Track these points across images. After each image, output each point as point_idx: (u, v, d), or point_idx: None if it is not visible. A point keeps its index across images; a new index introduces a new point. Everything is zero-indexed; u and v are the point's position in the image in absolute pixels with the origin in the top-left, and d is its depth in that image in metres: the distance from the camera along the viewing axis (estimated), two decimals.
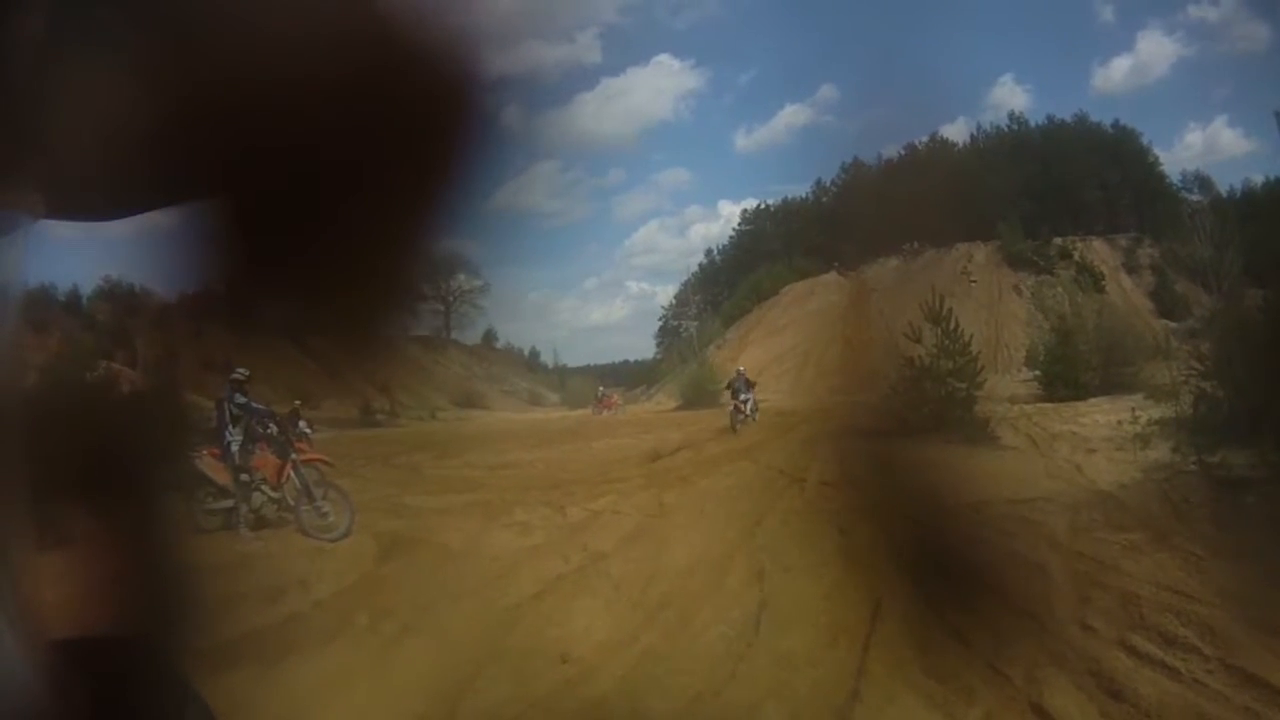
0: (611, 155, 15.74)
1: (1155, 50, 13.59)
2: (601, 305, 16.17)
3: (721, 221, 16.67)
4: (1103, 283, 13.76)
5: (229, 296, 0.79)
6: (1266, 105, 10.77)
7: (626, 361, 16.65)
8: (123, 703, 0.82)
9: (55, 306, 11.45)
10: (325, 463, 8.41)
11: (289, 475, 8.11)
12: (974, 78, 13.54)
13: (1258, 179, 12.25)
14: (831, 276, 14.99)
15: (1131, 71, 13.91)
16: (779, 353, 14.17)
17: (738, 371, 12.16)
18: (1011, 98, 14.91)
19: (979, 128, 14.87)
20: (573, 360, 16.56)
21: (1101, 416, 9.48)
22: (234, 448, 8.16)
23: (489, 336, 15.96)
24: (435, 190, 0.78)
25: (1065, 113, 14.96)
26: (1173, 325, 12.43)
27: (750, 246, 16.37)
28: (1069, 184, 14.78)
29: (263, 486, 8.12)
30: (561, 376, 16.20)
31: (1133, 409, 8.71)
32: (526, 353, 16.51)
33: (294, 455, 8.21)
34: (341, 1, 0.72)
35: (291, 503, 8.07)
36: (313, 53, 0.68)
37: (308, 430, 9.60)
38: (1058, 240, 14.41)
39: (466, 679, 5.95)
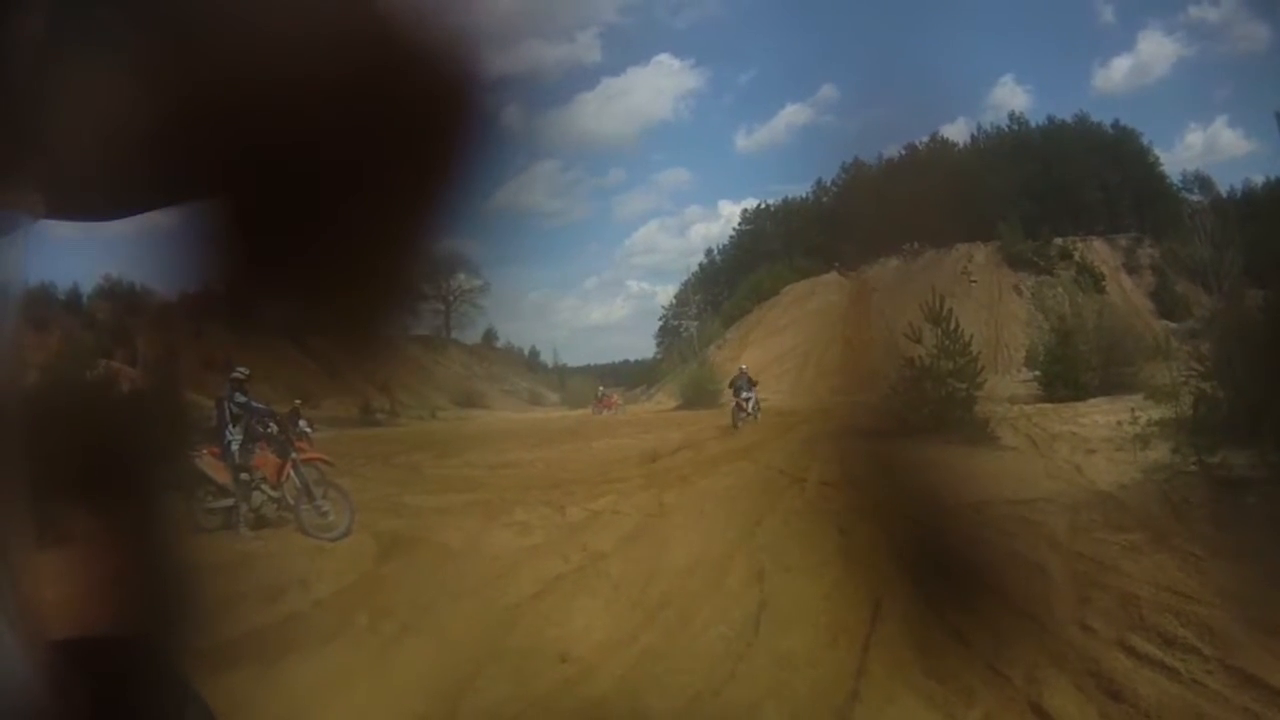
0: (612, 155, 15.75)
1: (1156, 50, 13.60)
2: (602, 305, 16.17)
3: (722, 221, 16.68)
4: (1103, 283, 13.77)
5: (229, 296, 0.80)
6: (1267, 106, 10.76)
7: (626, 361, 16.66)
8: (123, 703, 0.82)
9: (55, 305, 11.45)
10: (325, 462, 8.41)
11: (289, 474, 8.11)
12: (974, 78, 13.56)
13: (1258, 179, 12.26)
14: (832, 276, 14.98)
15: (1132, 72, 13.92)
16: (779, 353, 14.18)
17: (740, 369, 12.17)
18: (1012, 98, 14.93)
19: (979, 128, 14.89)
20: (573, 360, 16.57)
21: (1101, 417, 9.48)
22: (234, 447, 8.16)
23: (489, 336, 15.96)
24: (435, 190, 0.78)
25: (1066, 113, 14.98)
26: (1173, 326, 12.42)
27: (750, 246, 16.36)
28: (1069, 184, 14.78)
29: (263, 485, 8.12)
30: (561, 376, 16.20)
31: (1132, 409, 8.71)
32: (527, 352, 16.51)
33: (294, 454, 8.21)
34: (341, 1, 0.72)
35: (291, 502, 8.07)
36: (313, 53, 0.68)
37: (308, 429, 9.60)
38: (1058, 240, 14.42)
39: (466, 678, 5.95)
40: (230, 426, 8.20)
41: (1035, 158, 14.84)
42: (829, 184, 15.39)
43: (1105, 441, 8.76)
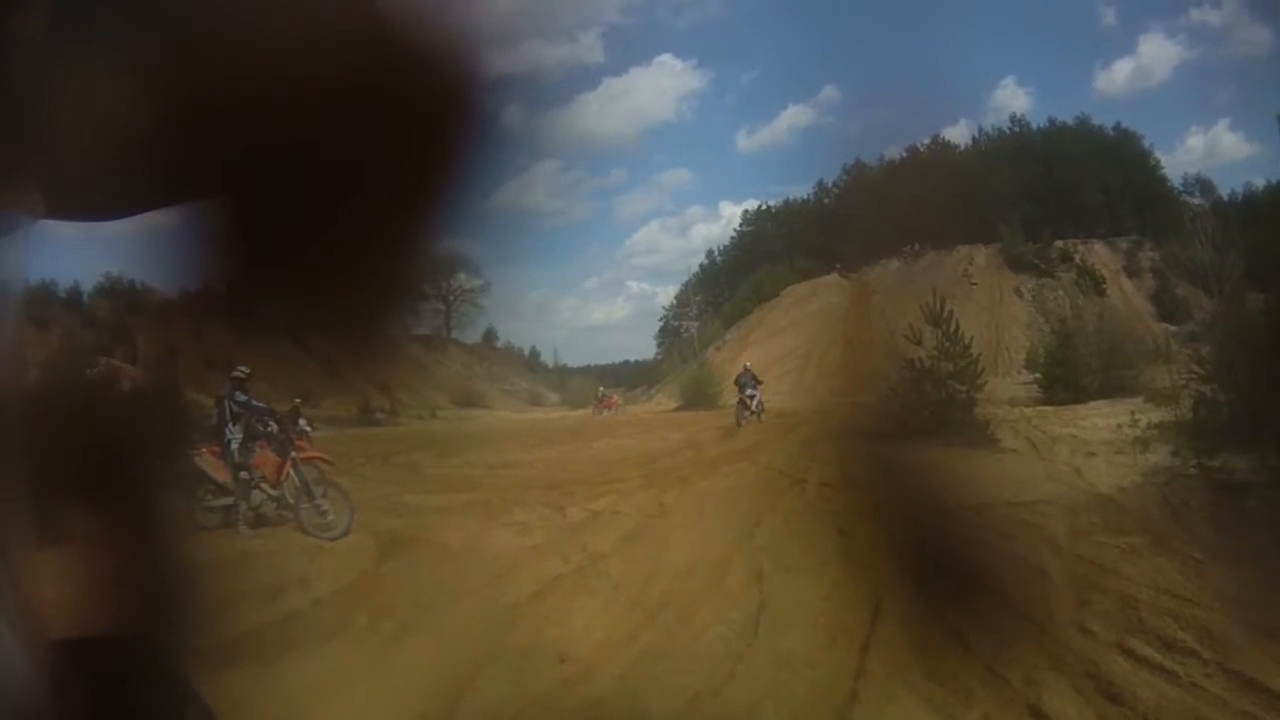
0: (613, 155, 15.77)
1: (1157, 53, 13.62)
2: (602, 305, 16.19)
3: (723, 222, 16.70)
4: (1103, 286, 13.77)
5: (229, 296, 0.80)
6: (1268, 109, 10.77)
7: (627, 362, 16.68)
8: (123, 703, 0.82)
9: (56, 303, 11.47)
10: (325, 461, 8.42)
11: (289, 473, 8.11)
12: (976, 80, 13.55)
13: (1259, 182, 12.28)
14: (832, 278, 14.99)
15: (1133, 74, 13.94)
16: (780, 354, 14.18)
17: (744, 367, 12.19)
18: (1013, 100, 14.94)
19: (981, 130, 14.92)
20: (573, 360, 16.60)
21: (1101, 420, 9.48)
22: (234, 445, 8.16)
23: (489, 336, 15.98)
24: (436, 190, 0.77)
25: (1067, 115, 14.99)
26: (1173, 329, 12.44)
27: (751, 247, 16.37)
28: (1070, 187, 14.77)
29: (262, 484, 8.13)
30: (562, 376, 16.22)
31: (1133, 412, 8.71)
32: (527, 352, 16.53)
33: (294, 453, 8.22)
34: (341, 1, 0.72)
35: (291, 501, 8.07)
36: (313, 53, 0.68)
37: (307, 428, 9.60)
38: (1059, 243, 14.42)
39: (466, 678, 5.95)
40: (230, 425, 8.20)
41: (1036, 160, 14.85)
42: (830, 185, 15.43)
43: (1105, 444, 8.75)
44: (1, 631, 0.70)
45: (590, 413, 14.58)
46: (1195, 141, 13.79)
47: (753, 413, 11.55)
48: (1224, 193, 12.57)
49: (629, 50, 14.95)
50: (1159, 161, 14.28)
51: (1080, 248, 14.42)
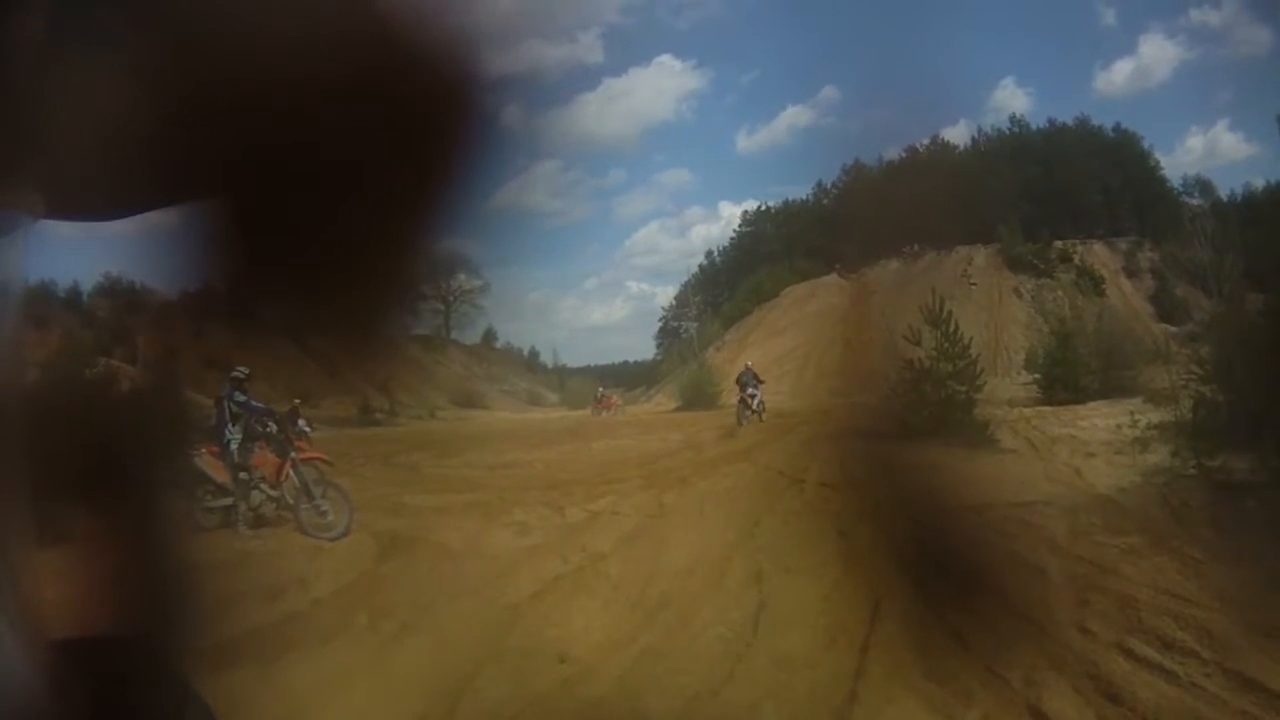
0: (613, 155, 15.77)
1: (1157, 54, 13.62)
2: (601, 305, 16.19)
3: (722, 223, 16.71)
4: (1103, 286, 13.77)
5: (229, 296, 0.80)
6: (1268, 109, 10.78)
7: (626, 362, 16.68)
8: (123, 703, 0.82)
9: (55, 303, 11.47)
10: (324, 461, 8.41)
11: (288, 474, 8.11)
12: (975, 80, 13.56)
13: (1259, 183, 12.27)
14: (832, 278, 14.98)
15: (1133, 75, 13.94)
16: (779, 354, 14.18)
17: (746, 366, 12.20)
18: (1013, 100, 14.95)
19: (980, 130, 14.90)
20: (572, 360, 16.59)
21: (1101, 420, 9.48)
22: (233, 446, 8.16)
23: (489, 336, 15.97)
24: (435, 190, 0.77)
25: (1066, 116, 14.99)
26: (1173, 329, 12.44)
27: (751, 248, 16.38)
28: (1070, 187, 14.77)
29: (262, 485, 8.12)
30: (561, 377, 16.21)
31: (1132, 413, 8.71)
32: (526, 353, 16.53)
33: (293, 454, 8.21)
34: (341, 1, 0.72)
35: (290, 501, 8.07)
36: (313, 53, 0.68)
37: (307, 429, 9.60)
38: (1058, 243, 14.43)
39: (465, 678, 5.95)
40: (229, 425, 8.20)
41: (1036, 160, 14.85)
42: (829, 186, 15.44)
43: (1105, 445, 8.76)
44: (1, 631, 0.71)
45: (590, 413, 14.57)
46: (1195, 142, 13.81)
47: (754, 412, 11.56)
48: (1223, 193, 12.58)
49: (629, 50, 14.96)
50: (1158, 162, 14.30)
51: (1079, 248, 14.42)
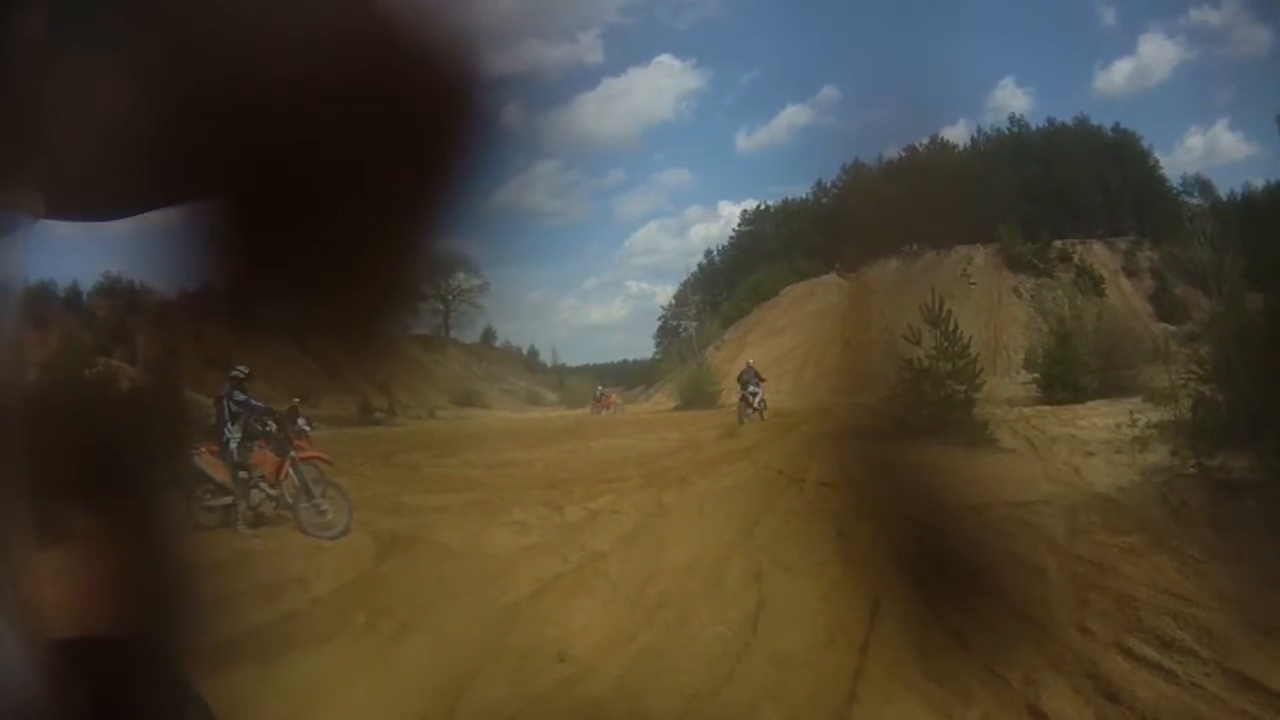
0: (612, 155, 15.76)
1: (1157, 54, 13.62)
2: (601, 305, 16.20)
3: (721, 222, 16.71)
4: (1102, 286, 13.77)
5: (229, 297, 0.80)
6: (1268, 109, 10.80)
7: (625, 361, 16.68)
8: (123, 703, 0.82)
9: (55, 302, 11.46)
10: (324, 460, 8.42)
11: (288, 473, 8.11)
12: (975, 80, 13.54)
13: (1258, 183, 12.27)
14: (831, 278, 14.98)
15: (1133, 75, 13.94)
16: (778, 354, 14.17)
17: (747, 364, 12.19)
18: (1012, 100, 14.94)
19: (979, 130, 14.91)
20: (572, 360, 16.60)
21: (1100, 419, 9.49)
22: (233, 445, 8.16)
23: (488, 335, 15.96)
24: (435, 190, 0.77)
25: (1066, 115, 14.99)
26: (1172, 329, 12.45)
27: (750, 247, 16.38)
28: (1069, 187, 14.78)
29: (261, 484, 8.13)
30: (560, 376, 16.21)
31: (1131, 412, 8.71)
32: (525, 352, 16.52)
33: (293, 453, 8.22)
34: (341, 1, 0.72)
35: (290, 500, 8.07)
36: (313, 53, 0.68)
37: (306, 428, 9.60)
38: (1058, 243, 14.43)
39: (465, 677, 5.95)
40: (229, 424, 8.20)
41: (1035, 160, 14.85)
42: (829, 185, 15.42)
43: (1104, 444, 8.76)
44: (1, 631, 0.70)
45: (589, 412, 14.58)
46: (1194, 142, 13.80)
47: (755, 410, 11.57)
48: (1223, 193, 12.56)
49: (628, 50, 14.97)
50: (1158, 161, 14.29)
51: (1079, 248, 14.42)
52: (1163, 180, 13.95)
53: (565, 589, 7.16)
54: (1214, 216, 11.49)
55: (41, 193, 0.70)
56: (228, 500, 8.00)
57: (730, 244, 16.58)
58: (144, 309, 10.87)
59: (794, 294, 15.49)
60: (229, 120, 0.67)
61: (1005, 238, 14.42)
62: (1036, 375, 11.38)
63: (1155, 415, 8.54)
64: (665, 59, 14.81)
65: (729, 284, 16.48)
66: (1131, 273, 14.29)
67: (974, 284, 14.01)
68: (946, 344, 9.33)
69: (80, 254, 8.74)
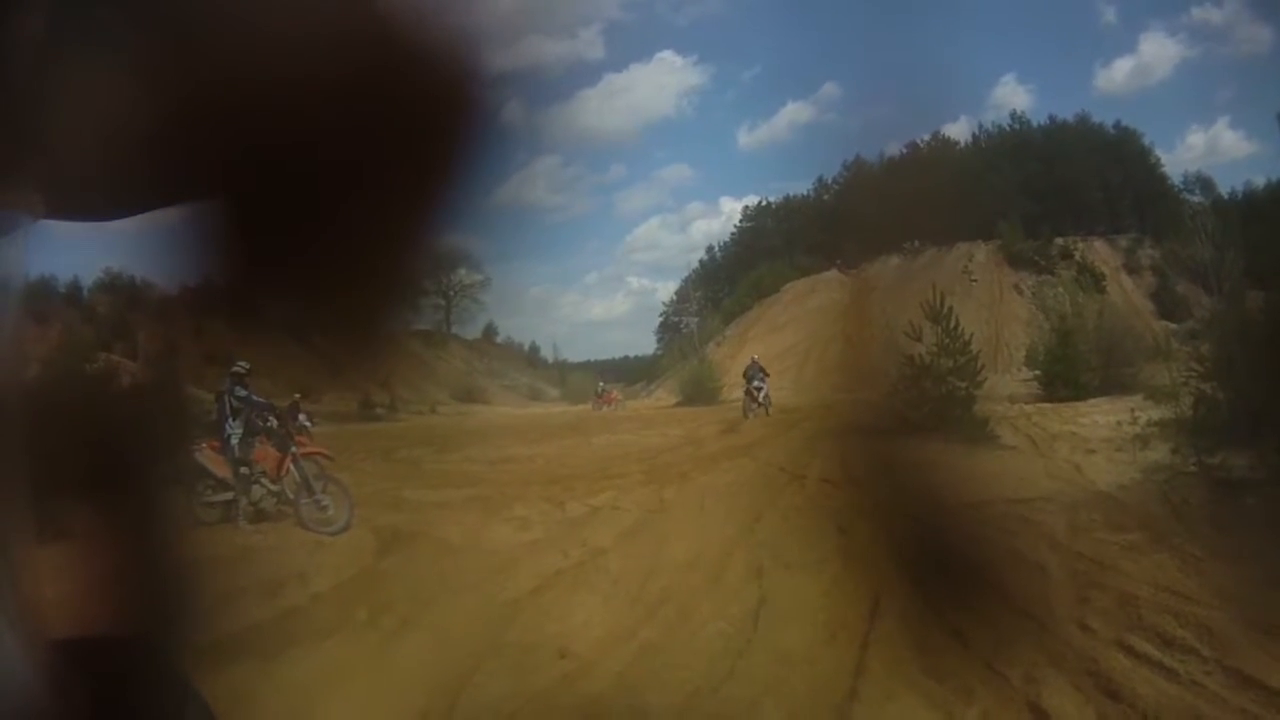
0: (613, 151, 15.78)
1: (1158, 51, 13.62)
2: (602, 301, 16.21)
3: (723, 218, 16.72)
4: (1103, 283, 13.76)
5: (229, 297, 0.80)
6: (1269, 107, 10.81)
7: (627, 357, 16.70)
8: (123, 702, 0.83)
9: (56, 298, 11.47)
10: (325, 456, 8.42)
11: (289, 468, 8.11)
12: (976, 77, 13.55)
13: (1259, 181, 12.28)
14: (832, 274, 15.00)
15: (1134, 72, 13.94)
16: (780, 350, 14.17)
17: (752, 359, 12.21)
18: (1014, 97, 14.96)
19: (981, 127, 14.94)
20: (573, 355, 16.61)
21: (1101, 417, 9.49)
22: (234, 440, 8.17)
23: (489, 331, 15.99)
24: (436, 189, 0.77)
25: (1067, 113, 15.02)
26: (1173, 326, 12.45)
27: (751, 243, 16.38)
28: (1070, 184, 14.77)
29: (262, 479, 8.13)
30: (562, 372, 16.23)
31: (1132, 410, 8.71)
32: (527, 348, 16.57)
33: (294, 448, 8.22)
34: (341, 1, 0.72)
35: (291, 496, 8.07)
36: (313, 53, 0.68)
37: (308, 423, 9.61)
38: (1059, 240, 14.43)
39: (465, 673, 5.95)
40: (230, 420, 8.20)
41: (1037, 157, 14.85)
42: (830, 181, 15.44)
43: (1105, 441, 8.76)
44: (1, 631, 0.71)
45: (590, 408, 14.59)
46: (1195, 139, 13.80)
47: (760, 404, 11.58)
48: (1224, 191, 12.59)
49: (629, 46, 14.99)
50: (1159, 159, 14.31)
51: (1080, 245, 14.42)
52: (1164, 178, 13.98)
53: (566, 585, 7.16)
54: (1215, 214, 11.50)
55: (41, 193, 0.70)
56: (229, 496, 8.00)
57: (731, 240, 16.62)
58: (145, 304, 10.88)
59: (795, 290, 15.51)
60: (229, 120, 0.67)
61: (1006, 235, 14.42)
62: (1037, 372, 11.37)
63: (1156, 413, 8.53)
64: (666, 55, 14.84)
65: (730, 280, 16.49)
66: (1133, 270, 14.28)
67: (975, 281, 14.01)
68: (948, 341, 9.32)
69: (81, 249, 8.77)
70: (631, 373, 16.31)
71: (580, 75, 14.23)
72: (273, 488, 8.13)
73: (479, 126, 0.76)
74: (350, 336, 0.90)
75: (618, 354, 16.77)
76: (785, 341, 14.40)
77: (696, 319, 16.24)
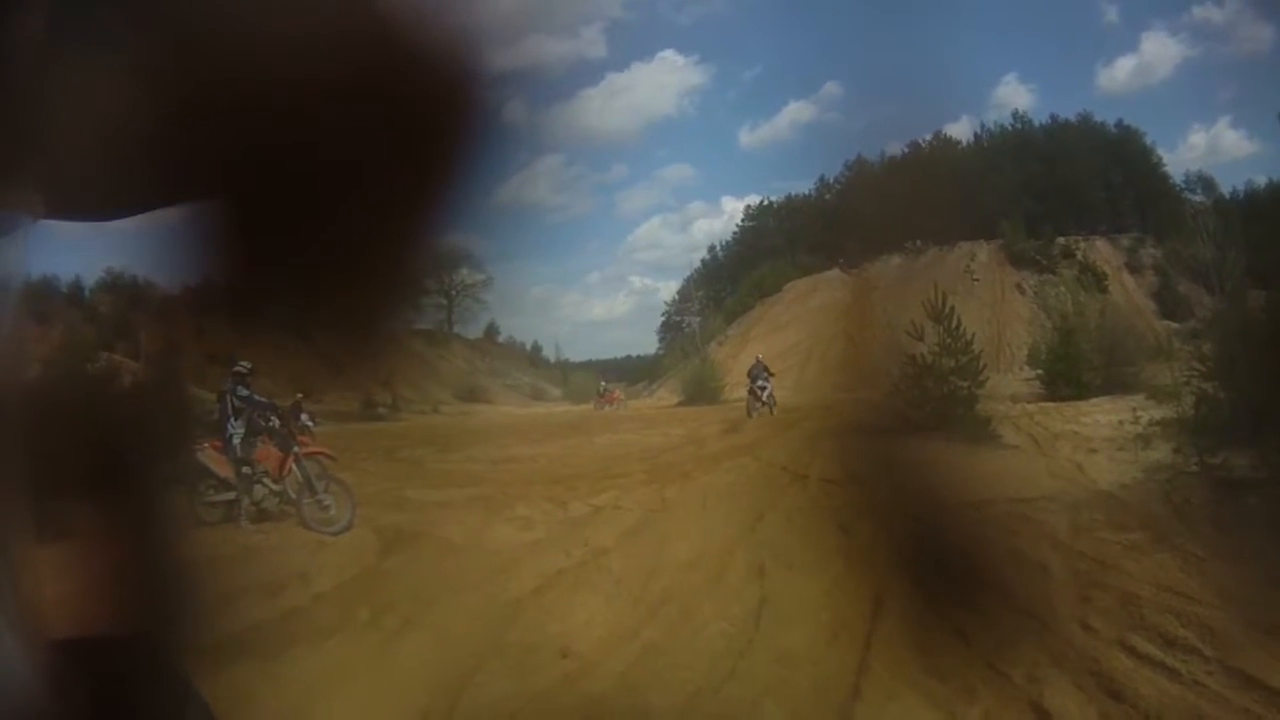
0: (615, 150, 15.78)
1: (1160, 51, 13.61)
2: (604, 300, 16.21)
3: (725, 218, 16.71)
4: (1105, 282, 13.73)
5: (230, 298, 0.79)
6: (1270, 107, 10.84)
7: (629, 357, 16.70)
8: (123, 702, 0.83)
9: (58, 298, 11.49)
10: (327, 456, 8.42)
11: (291, 468, 8.11)
12: (978, 76, 13.56)
13: (1261, 180, 12.28)
14: (834, 274, 14.99)
15: (1136, 72, 13.93)
16: (781, 349, 14.16)
17: (756, 359, 12.23)
18: (1015, 97, 14.96)
19: (983, 126, 14.94)
20: (575, 355, 16.60)
21: (1103, 416, 9.48)
22: (236, 440, 8.17)
23: (491, 331, 16.02)
24: (437, 188, 0.77)
25: (1069, 112, 14.99)
26: (1175, 326, 12.45)
27: (753, 243, 16.37)
28: (1072, 183, 14.76)
29: (264, 479, 8.13)
30: (564, 371, 16.24)
31: (1134, 409, 8.71)
32: (529, 347, 16.58)
33: (296, 448, 8.22)
34: (341, 1, 0.72)
35: (293, 495, 8.07)
36: (313, 53, 0.68)
37: (310, 423, 9.60)
38: (1060, 239, 14.42)
39: (467, 673, 5.95)
40: (232, 420, 8.20)
41: (1038, 157, 14.84)
42: (832, 181, 15.45)
43: (1107, 441, 8.75)
44: (1, 631, 0.71)
45: (592, 408, 14.60)
46: (1197, 139, 13.80)
47: (764, 404, 11.59)
48: (1225, 190, 12.60)
49: (631, 45, 15.00)
50: (1161, 159, 14.30)
51: (1082, 244, 14.41)
52: (1165, 177, 13.96)
53: (568, 585, 7.16)
54: (1216, 214, 11.51)
55: (42, 193, 0.70)
56: (231, 496, 8.00)
57: (733, 239, 16.62)
58: (146, 304, 10.89)
59: (797, 290, 15.50)
60: (229, 120, 0.67)
61: (1008, 234, 14.42)
62: (1039, 372, 11.35)
63: (1158, 412, 8.53)
64: (668, 54, 14.84)
65: (732, 279, 16.49)
66: (1134, 269, 14.27)
67: (977, 280, 14.01)
68: (949, 340, 9.32)
69: (83, 249, 8.77)
70: (633, 372, 16.31)
71: (582, 74, 14.26)
72: (275, 487, 8.13)
73: (480, 126, 0.76)
74: (352, 336, 0.90)
75: (620, 353, 16.78)
76: (787, 341, 14.40)
77: (698, 318, 16.24)
